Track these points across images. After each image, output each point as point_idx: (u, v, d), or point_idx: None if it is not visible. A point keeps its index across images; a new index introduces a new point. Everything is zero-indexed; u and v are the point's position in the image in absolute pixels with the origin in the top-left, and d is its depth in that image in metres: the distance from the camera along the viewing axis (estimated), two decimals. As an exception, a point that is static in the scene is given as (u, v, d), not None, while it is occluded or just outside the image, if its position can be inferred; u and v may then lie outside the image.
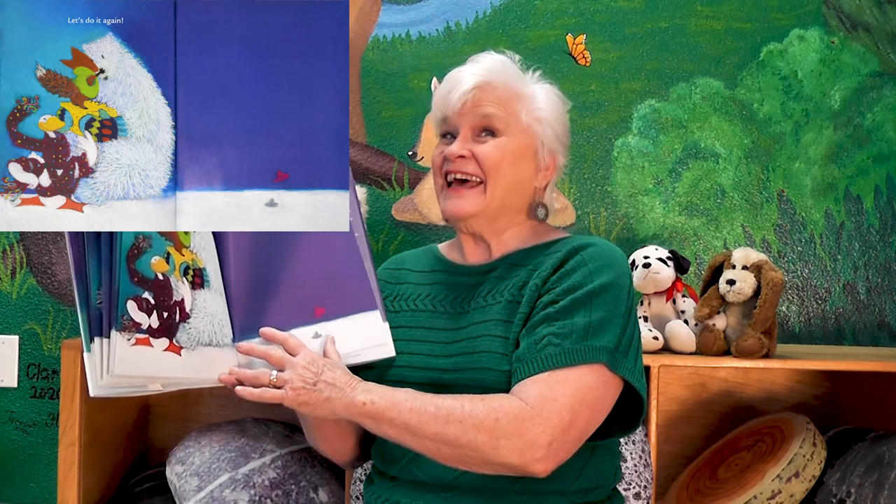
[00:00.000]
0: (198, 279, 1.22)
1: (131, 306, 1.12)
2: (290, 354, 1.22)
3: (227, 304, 1.25)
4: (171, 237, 1.20)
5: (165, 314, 1.16)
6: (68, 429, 1.66)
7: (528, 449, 1.14)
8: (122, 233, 1.14)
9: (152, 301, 1.15)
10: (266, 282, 1.26)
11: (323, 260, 1.27)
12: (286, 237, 1.26)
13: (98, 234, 1.15)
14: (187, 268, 1.20)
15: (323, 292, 1.26)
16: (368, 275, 1.29)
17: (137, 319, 1.12)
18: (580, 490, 1.26)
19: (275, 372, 1.20)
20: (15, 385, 2.11)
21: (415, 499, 1.27)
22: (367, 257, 1.30)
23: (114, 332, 1.10)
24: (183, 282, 1.19)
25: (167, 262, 1.17)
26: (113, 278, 1.12)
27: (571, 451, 1.18)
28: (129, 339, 1.11)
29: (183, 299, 1.18)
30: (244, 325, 1.25)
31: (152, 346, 1.13)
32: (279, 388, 1.19)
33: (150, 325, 1.14)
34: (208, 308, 1.22)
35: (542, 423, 1.14)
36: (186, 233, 1.22)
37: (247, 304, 1.26)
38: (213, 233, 1.26)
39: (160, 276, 1.16)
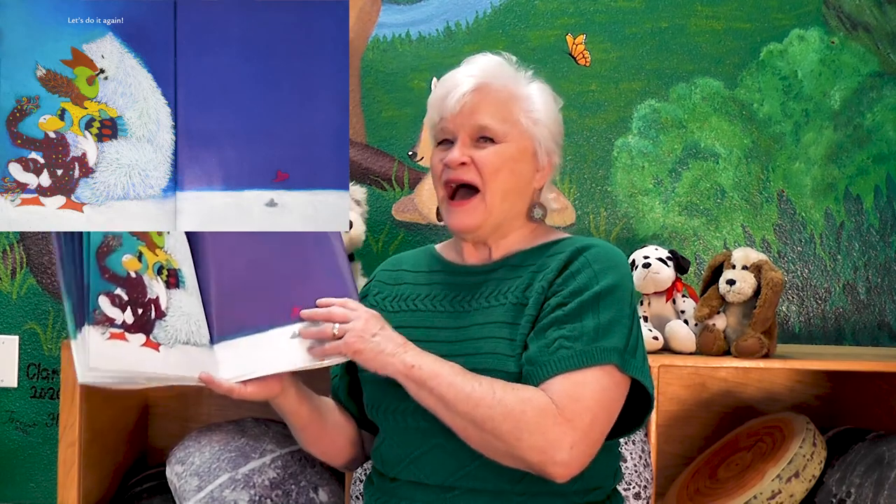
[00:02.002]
0: (172, 279, 1.21)
1: (103, 301, 1.11)
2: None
3: (204, 305, 1.24)
4: (143, 237, 1.19)
5: (140, 310, 1.15)
6: (68, 429, 1.66)
7: (550, 448, 1.14)
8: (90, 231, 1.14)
9: (125, 297, 1.14)
10: (243, 283, 1.26)
11: (296, 259, 1.27)
12: (259, 238, 1.26)
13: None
14: (161, 267, 1.20)
15: (299, 292, 1.26)
16: (342, 272, 1.28)
17: (110, 314, 1.11)
18: (580, 491, 1.26)
19: (338, 325, 1.21)
20: (15, 385, 2.11)
21: (415, 500, 1.27)
22: (341, 254, 1.29)
23: (87, 326, 1.10)
24: (157, 280, 1.19)
25: (139, 261, 1.17)
26: (84, 273, 1.12)
27: (592, 454, 1.18)
28: (103, 334, 1.10)
29: (157, 297, 1.18)
30: (223, 326, 1.25)
31: (128, 340, 1.13)
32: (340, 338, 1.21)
33: (124, 321, 1.13)
34: (184, 308, 1.21)
35: (563, 423, 1.14)
36: (160, 234, 1.21)
37: (224, 305, 1.25)
38: (187, 235, 1.25)
39: (132, 274, 1.16)
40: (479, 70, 1.33)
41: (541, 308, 1.25)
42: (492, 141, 1.31)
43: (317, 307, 1.25)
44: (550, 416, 1.14)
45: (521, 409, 1.15)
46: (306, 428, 1.37)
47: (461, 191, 1.32)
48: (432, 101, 1.36)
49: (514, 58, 1.38)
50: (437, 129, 1.36)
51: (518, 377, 1.22)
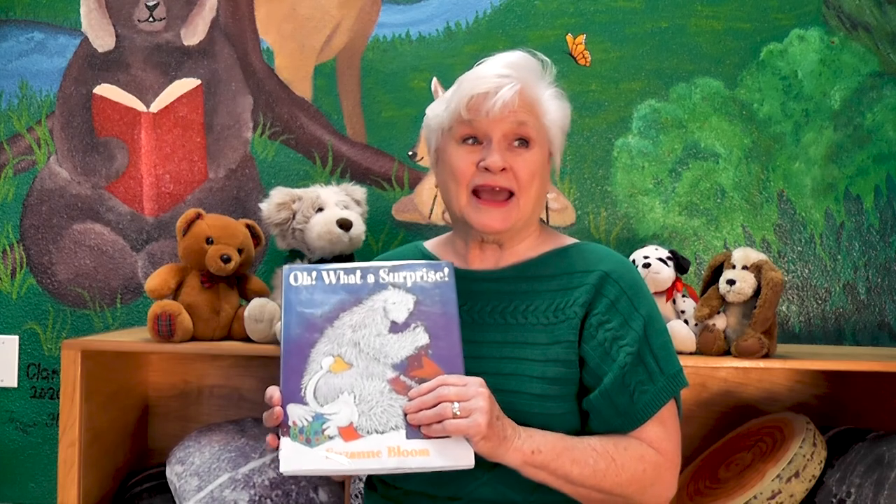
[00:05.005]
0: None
1: None
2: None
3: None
4: None
5: None
6: (68, 429, 1.66)
7: (665, 491, 1.25)
8: None
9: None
10: None
11: None
12: None
13: None
14: None
15: None
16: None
17: None
18: None
19: (456, 404, 1.11)
20: (15, 385, 2.11)
21: None
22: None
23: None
24: None
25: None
26: None
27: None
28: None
29: None
30: None
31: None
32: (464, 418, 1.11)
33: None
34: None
35: (669, 466, 1.24)
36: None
37: None
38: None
39: None
40: (513, 69, 1.28)
41: (580, 333, 1.26)
42: (526, 144, 1.28)
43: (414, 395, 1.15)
44: (662, 466, 1.23)
45: (641, 469, 1.21)
46: None
47: (490, 192, 1.28)
48: (464, 96, 1.28)
49: (544, 57, 1.35)
50: (461, 128, 1.30)
51: (541, 398, 1.22)
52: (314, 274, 1.24)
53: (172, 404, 2.08)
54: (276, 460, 1.78)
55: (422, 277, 1.23)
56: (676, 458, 1.26)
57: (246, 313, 1.75)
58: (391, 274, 1.23)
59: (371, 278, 1.23)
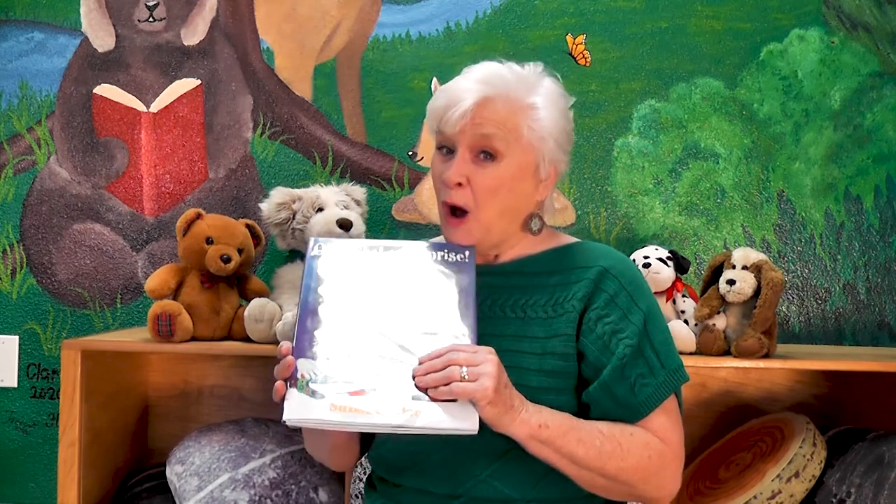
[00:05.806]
0: None
1: None
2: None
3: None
4: None
5: None
6: (68, 429, 1.66)
7: (669, 484, 1.24)
8: None
9: None
10: None
11: None
12: None
13: None
14: None
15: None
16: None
17: None
18: (587, 496, 1.26)
19: (465, 368, 1.11)
20: (15, 385, 2.11)
21: None
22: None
23: None
24: None
25: None
26: None
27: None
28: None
29: None
30: None
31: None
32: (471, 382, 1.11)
33: None
34: None
35: (674, 459, 1.24)
36: None
37: None
38: None
39: None
40: (481, 83, 1.27)
41: (578, 327, 1.26)
42: (492, 157, 1.26)
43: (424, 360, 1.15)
44: (667, 457, 1.23)
45: (646, 457, 1.21)
46: (336, 447, 1.38)
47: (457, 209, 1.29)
48: (432, 110, 1.31)
49: (514, 65, 1.32)
50: (437, 136, 1.32)
51: (539, 390, 1.22)
52: (338, 245, 1.27)
53: (172, 404, 2.07)
54: (276, 459, 1.78)
55: (443, 257, 1.26)
56: (681, 450, 1.26)
57: (246, 313, 1.75)
58: (413, 250, 1.27)
59: (393, 253, 1.26)
